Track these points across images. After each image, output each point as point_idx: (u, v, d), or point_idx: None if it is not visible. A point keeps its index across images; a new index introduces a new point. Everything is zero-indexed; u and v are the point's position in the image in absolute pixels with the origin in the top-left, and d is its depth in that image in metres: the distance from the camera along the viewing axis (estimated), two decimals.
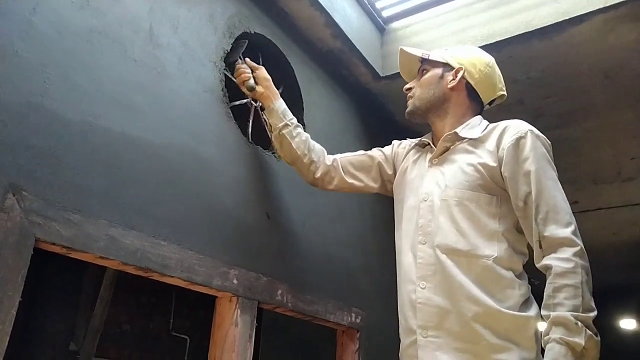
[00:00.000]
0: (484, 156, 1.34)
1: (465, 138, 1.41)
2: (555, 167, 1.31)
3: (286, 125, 1.58)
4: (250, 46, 1.87)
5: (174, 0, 1.53)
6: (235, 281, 1.46)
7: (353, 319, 1.95)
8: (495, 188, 1.32)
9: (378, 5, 2.37)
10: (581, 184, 3.39)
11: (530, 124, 2.58)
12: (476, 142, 1.39)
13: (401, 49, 1.57)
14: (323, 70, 2.22)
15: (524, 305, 1.25)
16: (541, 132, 1.37)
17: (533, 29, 2.03)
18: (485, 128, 1.42)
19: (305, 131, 1.97)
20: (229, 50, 1.70)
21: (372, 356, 2.06)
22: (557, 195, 1.24)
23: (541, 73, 2.28)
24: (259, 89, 1.62)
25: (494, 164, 1.32)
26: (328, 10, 2.00)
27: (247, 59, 1.71)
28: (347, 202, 2.16)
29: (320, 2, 1.96)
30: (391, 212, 1.56)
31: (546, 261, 1.18)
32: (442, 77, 1.48)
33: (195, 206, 1.44)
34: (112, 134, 1.25)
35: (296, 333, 2.24)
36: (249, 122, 1.78)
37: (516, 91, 2.39)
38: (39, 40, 1.13)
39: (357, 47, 2.18)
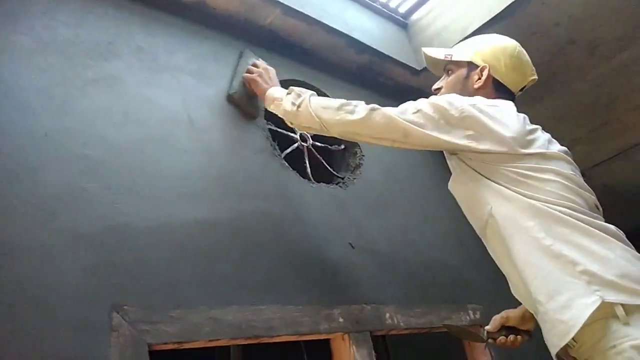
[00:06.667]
0: None
1: None
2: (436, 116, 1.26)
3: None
4: None
5: (201, 83, 1.63)
6: (341, 320, 1.50)
7: (472, 316, 1.91)
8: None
9: (392, 4, 2.36)
10: None
11: (587, 59, 2.51)
12: None
13: (423, 51, 1.56)
14: (359, 86, 2.24)
15: None
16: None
17: None
18: None
19: (362, 152, 2.00)
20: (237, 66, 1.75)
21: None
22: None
23: (582, 7, 2.14)
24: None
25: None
26: (346, 32, 2.03)
27: (259, 61, 1.76)
28: (427, 204, 2.14)
29: (337, 28, 1.99)
30: None
31: None
32: (467, 77, 1.44)
33: (282, 261, 1.50)
34: (189, 224, 1.35)
35: (424, 344, 2.22)
36: (305, 163, 1.83)
37: (562, 33, 2.26)
38: (98, 169, 1.26)
39: (385, 53, 2.18)
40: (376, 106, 1.31)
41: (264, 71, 1.66)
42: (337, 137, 1.41)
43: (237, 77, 1.70)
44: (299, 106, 1.41)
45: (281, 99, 1.48)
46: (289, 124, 1.50)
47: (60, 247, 1.10)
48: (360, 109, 1.32)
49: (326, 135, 1.41)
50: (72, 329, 1.03)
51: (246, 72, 1.69)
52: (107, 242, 1.18)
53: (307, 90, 1.45)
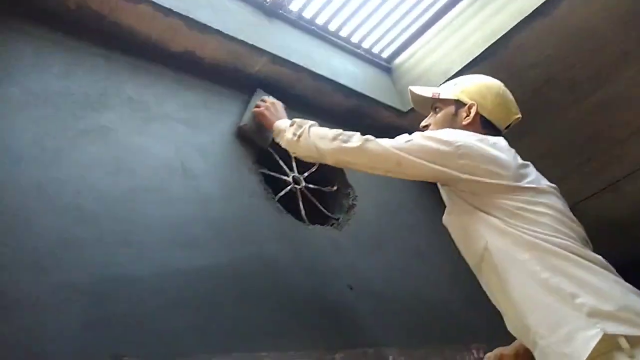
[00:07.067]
0: None
1: None
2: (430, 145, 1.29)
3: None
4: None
5: (193, 131, 1.63)
6: None
7: (476, 355, 1.86)
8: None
9: (375, 50, 2.43)
10: None
11: (565, 97, 2.56)
12: None
13: (410, 89, 1.59)
14: (349, 128, 2.24)
15: None
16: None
17: (528, 13, 2.01)
18: None
19: (355, 193, 2.00)
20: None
21: None
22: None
23: (557, 47, 2.21)
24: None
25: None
26: (332, 78, 2.07)
27: (268, 97, 1.85)
28: (422, 241, 2.13)
29: (323, 74, 2.04)
30: None
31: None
32: (455, 114, 1.47)
33: (281, 306, 1.46)
34: (184, 272, 1.32)
35: None
36: (300, 206, 1.82)
37: (539, 74, 2.33)
38: (91, 219, 1.23)
39: (371, 96, 2.23)
40: (371, 137, 1.36)
41: (271, 105, 1.75)
42: (333, 165, 1.46)
43: (247, 111, 1.82)
44: (299, 136, 1.48)
45: (285, 131, 1.55)
46: (292, 154, 1.59)
47: (56, 300, 1.06)
48: (355, 139, 1.38)
49: (323, 163, 1.47)
50: None
51: (255, 107, 1.79)
52: (102, 293, 1.14)
53: (308, 121, 1.54)
